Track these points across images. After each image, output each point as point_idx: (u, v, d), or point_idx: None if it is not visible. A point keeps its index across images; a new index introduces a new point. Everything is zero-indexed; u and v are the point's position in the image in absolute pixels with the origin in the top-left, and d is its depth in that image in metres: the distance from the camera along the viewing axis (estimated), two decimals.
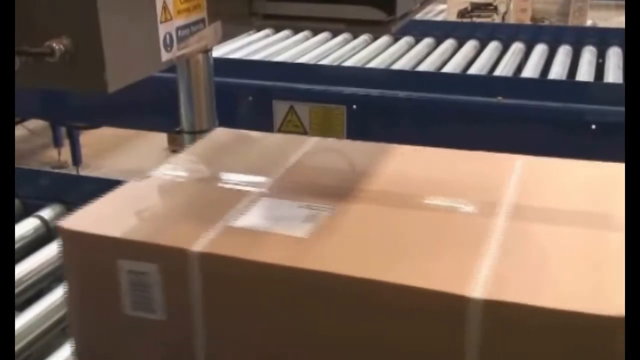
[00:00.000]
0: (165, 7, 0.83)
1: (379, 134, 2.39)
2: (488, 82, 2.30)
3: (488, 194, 0.93)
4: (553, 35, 2.92)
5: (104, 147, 4.23)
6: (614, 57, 2.65)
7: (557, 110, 2.12)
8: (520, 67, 2.66)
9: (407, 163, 1.07)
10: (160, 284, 0.78)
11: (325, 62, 2.73)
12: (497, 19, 4.84)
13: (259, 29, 3.04)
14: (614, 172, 0.98)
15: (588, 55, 2.70)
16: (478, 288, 0.71)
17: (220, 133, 1.15)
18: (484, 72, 2.58)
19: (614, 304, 0.69)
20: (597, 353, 0.70)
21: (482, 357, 0.72)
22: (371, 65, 2.66)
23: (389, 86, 2.33)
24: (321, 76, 2.44)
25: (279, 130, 2.48)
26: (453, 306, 0.70)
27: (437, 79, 2.37)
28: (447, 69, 2.62)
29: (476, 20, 4.74)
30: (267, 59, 2.72)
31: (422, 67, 2.66)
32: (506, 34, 2.97)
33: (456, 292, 0.70)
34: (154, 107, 2.48)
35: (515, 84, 2.28)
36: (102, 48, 0.74)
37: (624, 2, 4.83)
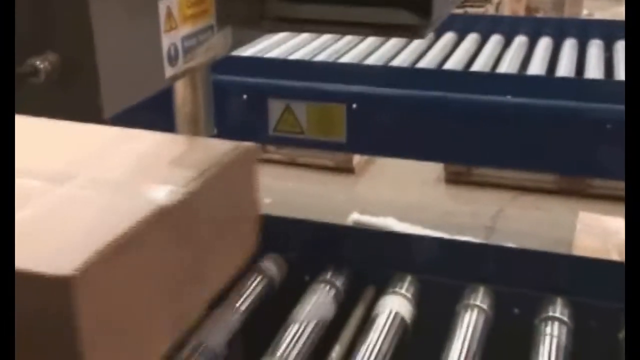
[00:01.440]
0: (169, 14, 0.70)
1: (381, 134, 2.27)
2: (495, 80, 2.18)
3: None
4: (557, 29, 2.81)
5: None
6: (623, 52, 2.55)
7: (570, 110, 2.01)
8: (525, 63, 2.54)
9: None
10: None
11: (321, 57, 2.61)
12: (490, 9, 4.73)
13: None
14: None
15: (595, 49, 2.59)
16: None
17: None
18: (487, 68, 2.47)
19: (68, 264, 0.66)
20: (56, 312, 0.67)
21: None
22: (369, 61, 2.54)
23: (391, 84, 2.21)
24: (319, 73, 2.32)
25: (275, 130, 2.36)
26: None
27: (442, 77, 2.25)
28: (450, 64, 2.50)
29: (469, 10, 4.63)
30: (259, 55, 2.59)
31: (422, 63, 2.54)
32: (508, 27, 2.85)
33: None
34: (146, 104, 2.35)
35: (524, 81, 2.17)
36: (96, 65, 0.61)
37: None
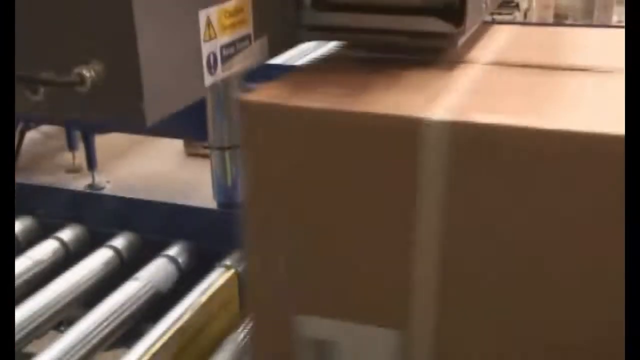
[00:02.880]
0: (209, 24, 0.72)
1: None
2: None
3: None
4: None
5: (119, 151, 4.14)
6: None
7: None
8: None
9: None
10: None
11: None
12: (518, 16, 4.71)
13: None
14: None
15: None
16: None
17: None
18: None
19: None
20: None
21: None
22: None
23: None
24: None
25: None
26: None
27: None
28: None
29: (497, 17, 4.62)
30: None
31: None
32: None
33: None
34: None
35: None
36: (139, 73, 0.63)
37: None
